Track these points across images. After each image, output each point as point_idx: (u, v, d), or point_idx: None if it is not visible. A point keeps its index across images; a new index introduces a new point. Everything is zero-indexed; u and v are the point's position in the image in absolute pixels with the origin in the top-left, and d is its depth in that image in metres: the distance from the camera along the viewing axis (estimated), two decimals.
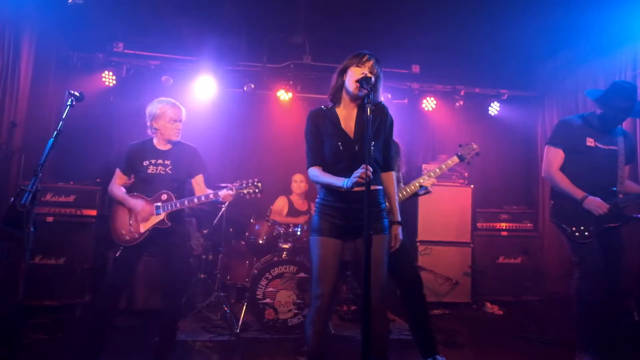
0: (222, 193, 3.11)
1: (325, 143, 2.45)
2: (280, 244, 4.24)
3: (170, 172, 3.15)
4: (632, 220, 3.18)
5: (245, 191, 3.14)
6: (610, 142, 3.20)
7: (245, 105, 5.97)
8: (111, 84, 5.33)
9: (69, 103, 2.48)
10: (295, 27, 5.25)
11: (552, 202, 3.34)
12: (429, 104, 6.03)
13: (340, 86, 2.46)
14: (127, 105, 5.45)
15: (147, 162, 3.13)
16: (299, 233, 4.33)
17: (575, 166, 3.20)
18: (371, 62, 2.39)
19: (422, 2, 4.67)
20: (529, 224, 5.57)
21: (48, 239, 4.16)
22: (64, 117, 2.42)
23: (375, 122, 2.41)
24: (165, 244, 3.13)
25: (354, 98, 2.44)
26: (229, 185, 3.16)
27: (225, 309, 4.21)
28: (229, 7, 4.76)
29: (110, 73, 5.29)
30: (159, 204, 3.09)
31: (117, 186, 3.18)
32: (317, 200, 2.51)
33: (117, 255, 3.10)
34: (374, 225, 2.36)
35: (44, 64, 4.70)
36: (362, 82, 2.29)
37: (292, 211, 5.14)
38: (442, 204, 5.29)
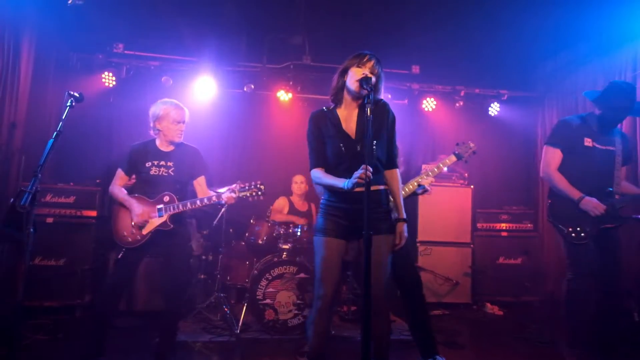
0: (225, 196, 3.11)
1: (327, 144, 2.45)
2: (280, 245, 4.24)
3: (172, 173, 3.14)
4: (631, 221, 3.19)
5: (248, 194, 3.14)
6: (607, 143, 3.22)
7: (245, 106, 5.96)
8: (111, 85, 5.33)
9: (68, 104, 2.48)
10: (295, 27, 5.25)
11: (549, 201, 3.35)
12: (429, 104, 6.03)
13: (342, 87, 2.46)
14: (127, 106, 5.45)
15: (150, 163, 3.12)
16: (299, 233, 4.33)
17: (573, 166, 3.21)
18: (372, 63, 2.39)
19: (422, 2, 4.67)
20: (529, 225, 5.57)
21: (48, 240, 4.17)
22: (63, 118, 2.42)
23: (377, 120, 2.41)
24: (167, 245, 3.13)
25: (355, 98, 2.44)
26: (231, 187, 3.15)
27: (226, 309, 4.21)
28: (229, 8, 4.76)
29: (110, 74, 5.29)
30: (161, 205, 3.08)
31: (118, 187, 3.17)
32: (321, 201, 2.53)
33: (119, 256, 3.10)
34: (378, 225, 2.37)
35: (43, 64, 4.70)
36: (362, 82, 2.29)
37: (293, 212, 5.14)
38: (442, 205, 5.29)
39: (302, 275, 4.00)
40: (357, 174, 2.13)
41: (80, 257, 4.31)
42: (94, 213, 4.43)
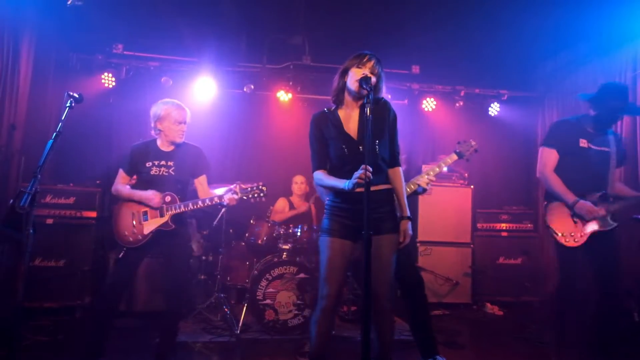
0: (227, 197, 3.10)
1: (330, 146, 2.46)
2: (280, 245, 4.24)
3: (173, 173, 3.13)
4: (632, 222, 3.20)
5: (250, 195, 3.13)
6: (603, 144, 3.24)
7: (245, 106, 5.96)
8: (110, 86, 5.33)
9: (68, 105, 2.47)
10: (295, 27, 5.25)
11: (545, 202, 3.37)
12: (429, 104, 6.03)
13: (342, 87, 2.47)
14: (126, 106, 5.45)
15: (150, 163, 3.12)
16: (299, 234, 4.33)
17: (569, 167, 3.23)
18: (372, 63, 2.39)
19: (422, 2, 4.67)
20: (529, 225, 5.57)
21: (48, 240, 4.17)
22: (63, 118, 2.42)
23: (378, 119, 2.42)
24: (168, 245, 3.13)
25: (355, 99, 2.44)
26: (233, 189, 3.14)
27: (226, 310, 4.21)
28: (228, 8, 4.75)
29: (110, 74, 5.28)
30: (163, 205, 3.08)
31: (122, 184, 3.17)
32: (326, 202, 2.54)
33: (120, 256, 3.10)
34: (382, 225, 2.38)
35: (43, 65, 4.70)
36: (362, 82, 2.29)
37: (292, 210, 5.13)
38: (442, 205, 5.29)
39: (302, 275, 4.00)
40: (357, 174, 2.13)
41: (80, 258, 4.31)
42: (93, 214, 4.43)
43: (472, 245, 5.37)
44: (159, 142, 3.19)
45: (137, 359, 3.34)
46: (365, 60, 2.39)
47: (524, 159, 6.37)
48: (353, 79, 2.37)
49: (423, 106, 6.05)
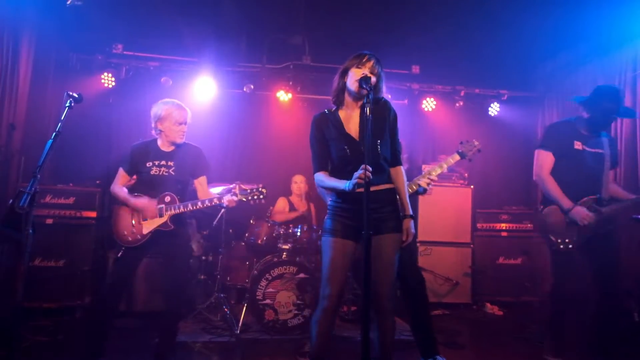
0: (226, 199, 3.09)
1: (331, 147, 2.46)
2: (280, 245, 4.24)
3: (173, 173, 3.13)
4: (632, 222, 3.21)
5: (250, 197, 3.13)
6: (597, 146, 3.28)
7: (245, 106, 5.96)
8: (110, 86, 5.32)
9: (67, 104, 2.47)
10: (295, 27, 5.25)
11: (541, 206, 3.40)
12: (428, 104, 6.03)
13: (342, 88, 2.47)
14: (126, 106, 5.45)
15: (150, 163, 3.11)
16: (298, 234, 4.33)
17: (564, 170, 3.27)
18: (371, 62, 2.39)
19: (422, 2, 4.67)
20: (529, 225, 5.57)
21: (48, 241, 4.16)
22: (62, 118, 2.42)
23: (379, 119, 2.42)
24: (167, 245, 3.12)
25: (356, 99, 2.44)
26: (232, 189, 3.14)
27: (225, 310, 4.20)
28: (228, 8, 4.75)
29: (110, 74, 5.28)
30: (162, 205, 3.08)
31: (120, 187, 3.16)
32: (329, 202, 2.54)
33: (118, 256, 3.09)
34: (385, 225, 2.38)
35: (43, 65, 4.69)
36: (362, 81, 2.29)
37: (293, 211, 5.13)
38: (442, 205, 5.29)
39: (301, 275, 4.00)
40: (356, 174, 2.13)
41: (80, 258, 4.30)
42: (93, 214, 4.42)
43: (472, 245, 5.37)
44: (159, 142, 3.18)
45: (136, 359, 3.34)
46: (364, 60, 2.39)
47: (524, 159, 6.35)
48: (353, 79, 2.37)
49: (423, 106, 6.04)
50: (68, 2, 4.26)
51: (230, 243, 4.74)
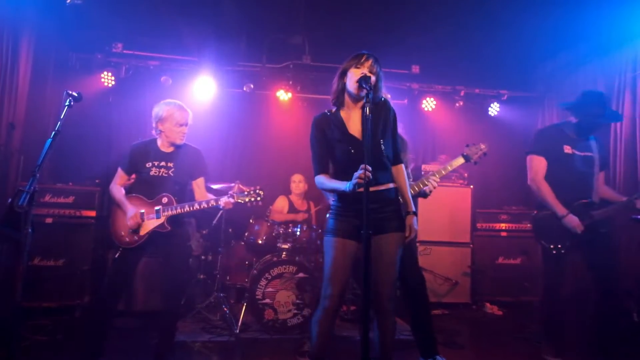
0: (223, 200, 3.09)
1: (334, 149, 2.46)
2: (280, 244, 4.24)
3: (172, 174, 3.13)
4: (632, 222, 3.23)
5: (246, 199, 3.13)
6: (586, 149, 3.32)
7: (245, 106, 5.95)
8: (110, 85, 5.31)
9: (67, 103, 2.47)
10: (295, 27, 5.24)
11: (535, 212, 3.45)
12: (428, 104, 6.02)
13: (342, 89, 2.46)
14: (126, 105, 5.44)
15: (150, 163, 3.11)
16: (298, 233, 4.32)
17: (555, 174, 3.32)
18: (370, 62, 2.39)
19: (422, 2, 4.66)
20: (528, 225, 5.54)
21: (47, 240, 4.16)
22: (62, 117, 2.41)
23: (380, 119, 2.42)
24: (165, 245, 3.12)
25: (356, 99, 2.44)
26: (230, 191, 3.14)
27: (225, 309, 4.20)
28: (228, 8, 4.75)
29: (109, 73, 5.27)
30: (159, 207, 3.07)
31: (118, 187, 3.16)
32: (331, 202, 2.54)
33: (116, 256, 3.09)
34: (387, 224, 2.39)
35: (42, 64, 4.68)
36: (361, 81, 2.29)
37: (292, 211, 5.14)
38: (441, 204, 5.29)
39: (301, 274, 4.00)
40: (356, 174, 2.13)
41: (79, 257, 4.30)
42: (93, 213, 4.42)
43: (471, 245, 5.37)
44: (159, 143, 3.18)
45: (136, 358, 3.34)
46: (363, 60, 2.39)
47: (523, 159, 6.31)
48: (352, 79, 2.36)
49: (423, 106, 6.04)
50: (68, 1, 4.25)
51: (230, 242, 4.74)
